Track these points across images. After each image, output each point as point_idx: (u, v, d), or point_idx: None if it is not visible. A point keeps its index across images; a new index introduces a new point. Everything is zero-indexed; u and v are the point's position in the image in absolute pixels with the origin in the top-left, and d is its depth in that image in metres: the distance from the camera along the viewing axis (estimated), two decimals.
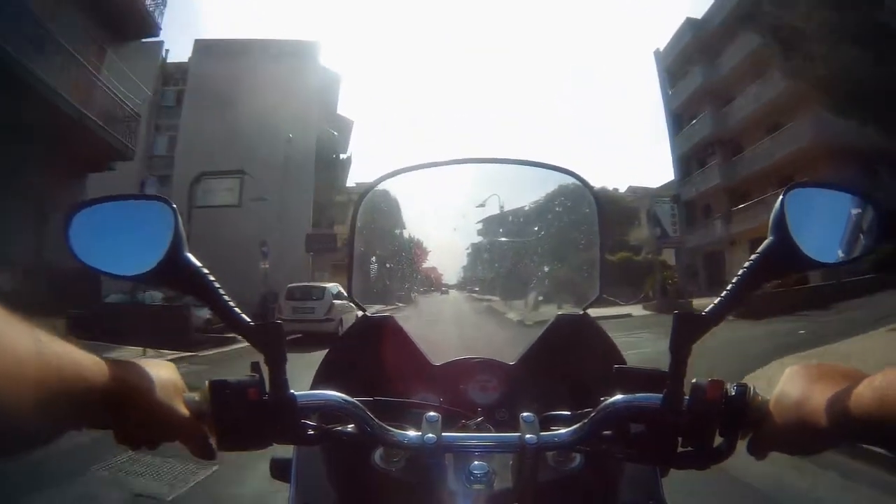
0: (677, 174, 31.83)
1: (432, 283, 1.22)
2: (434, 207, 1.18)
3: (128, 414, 0.56)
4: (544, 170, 1.06)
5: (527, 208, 1.18)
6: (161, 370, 0.61)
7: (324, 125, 29.84)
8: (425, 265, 1.21)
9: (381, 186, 1.05)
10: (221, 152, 21.97)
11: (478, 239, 1.21)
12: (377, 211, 1.08)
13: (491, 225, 1.20)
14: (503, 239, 1.22)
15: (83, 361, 0.50)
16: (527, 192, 1.16)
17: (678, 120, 31.80)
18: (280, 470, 0.96)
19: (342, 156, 35.87)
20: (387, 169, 1.01)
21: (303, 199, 26.72)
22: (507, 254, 1.24)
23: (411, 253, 1.17)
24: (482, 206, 1.15)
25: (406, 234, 1.18)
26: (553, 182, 1.10)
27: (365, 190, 1.03)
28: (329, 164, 30.77)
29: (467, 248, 1.21)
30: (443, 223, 1.19)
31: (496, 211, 1.16)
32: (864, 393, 0.49)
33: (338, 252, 24.16)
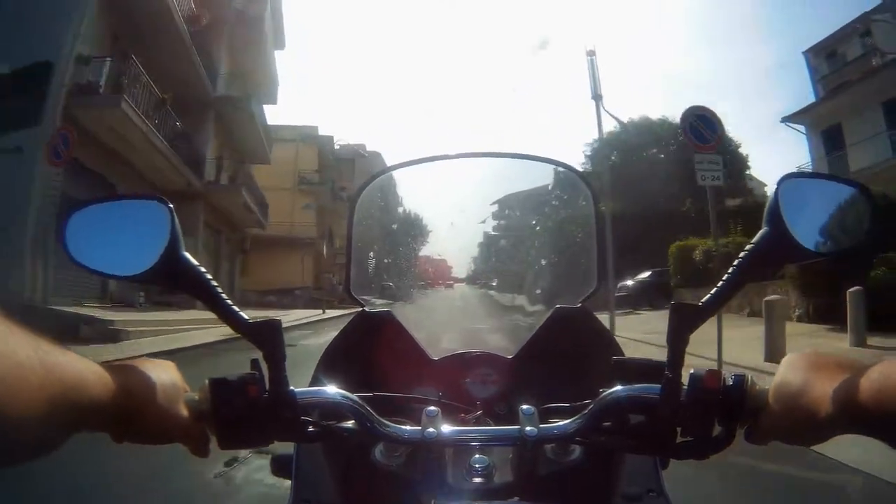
0: None
1: (429, 279, 1.23)
2: (431, 202, 1.18)
3: (128, 417, 0.56)
4: (541, 163, 1.06)
5: (523, 202, 1.19)
6: (161, 371, 0.62)
7: None
8: (422, 260, 1.21)
9: (377, 181, 1.06)
10: None
11: (475, 234, 1.21)
12: (375, 205, 1.08)
13: (488, 219, 1.20)
14: (500, 233, 1.22)
15: (84, 369, 0.51)
16: (524, 185, 1.16)
17: None
18: (281, 467, 0.96)
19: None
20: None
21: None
22: (504, 248, 1.24)
23: (410, 248, 1.18)
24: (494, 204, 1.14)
25: (404, 228, 1.18)
26: (550, 175, 1.10)
27: (364, 183, 1.03)
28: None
29: (465, 243, 1.21)
30: (440, 218, 1.19)
31: (494, 207, 1.16)
32: (862, 385, 0.49)
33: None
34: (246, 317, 0.64)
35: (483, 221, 1.22)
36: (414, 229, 1.19)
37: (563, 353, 0.94)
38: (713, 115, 7.54)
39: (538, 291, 1.18)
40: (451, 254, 1.23)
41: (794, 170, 6.97)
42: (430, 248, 1.20)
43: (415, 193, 1.15)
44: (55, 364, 0.46)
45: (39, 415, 0.43)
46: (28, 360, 0.43)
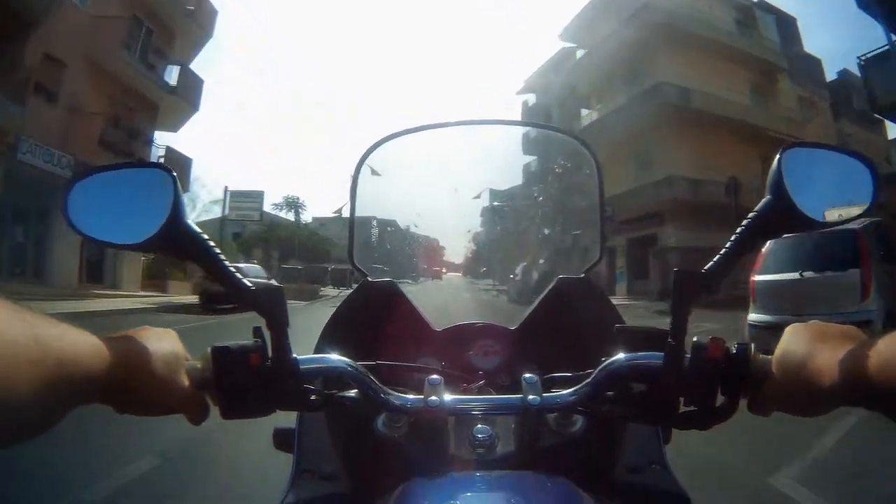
0: None
1: (430, 253, 1.23)
2: (432, 171, 1.17)
3: (128, 389, 0.56)
4: (543, 131, 1.05)
5: (526, 171, 1.18)
6: (162, 341, 0.61)
7: None
8: (423, 232, 1.21)
9: (378, 150, 1.04)
10: None
11: (477, 203, 1.20)
12: (375, 174, 1.07)
13: (490, 189, 1.19)
14: (503, 203, 1.21)
15: (80, 342, 0.50)
16: (527, 154, 1.15)
17: None
18: (282, 439, 0.97)
19: None
20: None
21: None
22: (507, 217, 1.24)
23: (412, 217, 1.17)
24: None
25: (404, 199, 1.17)
26: (553, 144, 1.09)
27: (364, 154, 1.02)
28: None
29: (466, 213, 1.21)
30: (441, 186, 1.18)
31: (494, 177, 1.15)
32: (868, 357, 0.48)
33: None
34: (249, 284, 0.64)
35: (478, 196, 1.20)
36: (413, 199, 1.18)
37: (566, 324, 0.94)
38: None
39: (541, 262, 1.18)
40: (450, 225, 1.23)
41: None
42: (429, 220, 1.19)
43: (415, 163, 1.14)
44: (50, 338, 0.46)
45: (36, 392, 0.43)
46: (22, 337, 0.43)
